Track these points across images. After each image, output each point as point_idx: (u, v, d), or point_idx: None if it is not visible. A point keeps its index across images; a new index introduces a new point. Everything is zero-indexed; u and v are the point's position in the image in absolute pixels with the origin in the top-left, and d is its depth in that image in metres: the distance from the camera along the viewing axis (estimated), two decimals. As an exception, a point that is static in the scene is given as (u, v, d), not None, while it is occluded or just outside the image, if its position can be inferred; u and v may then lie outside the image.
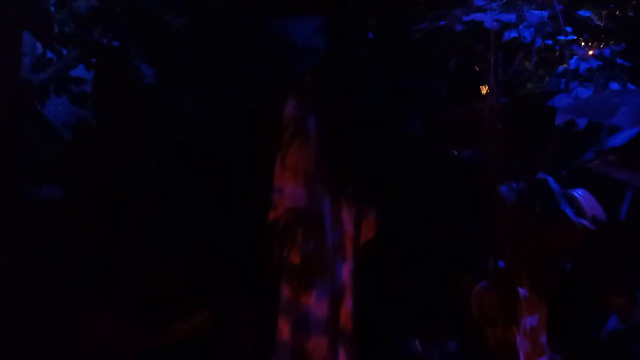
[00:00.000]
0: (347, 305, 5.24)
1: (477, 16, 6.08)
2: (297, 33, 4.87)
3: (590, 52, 6.17)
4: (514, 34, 6.15)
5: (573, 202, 5.53)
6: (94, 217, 5.15)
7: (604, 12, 6.20)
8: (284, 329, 5.15)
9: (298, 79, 5.12)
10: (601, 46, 6.18)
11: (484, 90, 5.71)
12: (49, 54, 5.23)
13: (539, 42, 6.17)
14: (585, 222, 5.47)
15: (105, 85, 5.07)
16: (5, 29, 4.66)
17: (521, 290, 5.37)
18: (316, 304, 5.15)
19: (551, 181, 5.52)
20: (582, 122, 5.89)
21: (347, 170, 5.27)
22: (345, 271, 5.27)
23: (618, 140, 5.70)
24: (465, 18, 6.08)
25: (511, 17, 6.21)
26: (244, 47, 4.85)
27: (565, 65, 6.08)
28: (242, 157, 5.26)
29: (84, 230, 5.16)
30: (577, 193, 5.58)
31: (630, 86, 6.12)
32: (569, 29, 6.09)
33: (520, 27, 6.18)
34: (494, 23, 6.03)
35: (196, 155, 5.22)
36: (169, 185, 5.24)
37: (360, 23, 5.10)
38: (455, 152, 5.33)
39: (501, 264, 5.42)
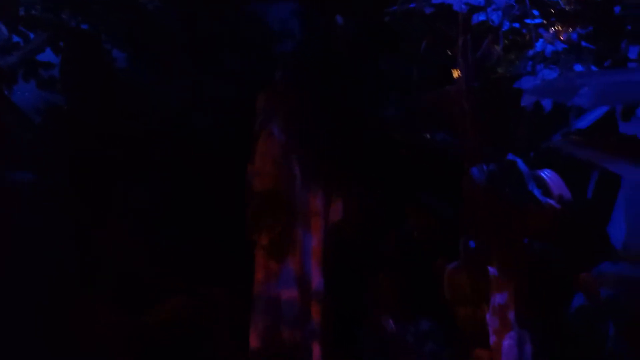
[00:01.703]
0: (317, 286, 5.34)
1: (446, -1, 6.15)
2: (273, 17, 4.90)
3: (557, 35, 6.27)
4: (482, 17, 6.22)
5: (540, 183, 5.67)
6: (69, 202, 5.13)
7: (570, -4, 6.30)
8: (258, 309, 5.23)
9: (273, 68, 5.16)
10: (568, 30, 6.29)
11: (455, 73, 5.77)
12: (15, 38, 5.15)
13: (506, 25, 6.25)
14: (552, 202, 5.62)
15: (74, 69, 5.02)
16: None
17: (491, 269, 5.50)
18: (285, 285, 5.24)
19: (520, 163, 5.65)
20: (547, 105, 6.02)
21: (318, 155, 5.34)
22: (314, 253, 5.36)
23: (584, 122, 5.86)
24: (434, 1, 6.13)
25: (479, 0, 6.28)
26: (220, 29, 4.86)
27: (532, 49, 6.17)
28: (219, 144, 5.30)
29: (60, 214, 5.14)
30: (545, 174, 5.72)
31: (593, 68, 6.24)
32: (535, 12, 6.18)
33: (488, 10, 6.25)
34: (463, 6, 6.10)
35: (172, 140, 5.24)
36: (145, 171, 5.25)
37: (334, 8, 5.12)
38: (428, 136, 5.40)
39: (472, 244, 5.55)
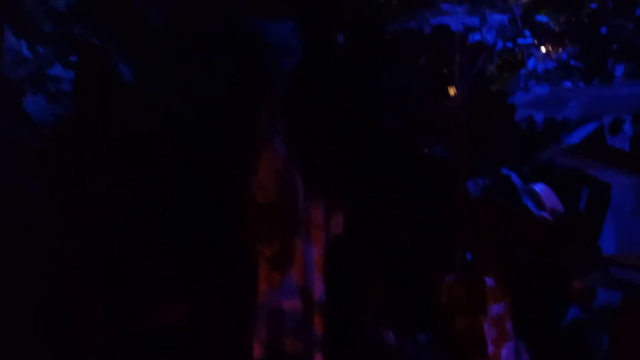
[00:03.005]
0: (318, 297, 5.43)
1: (444, 19, 6.36)
2: (273, 33, 5.05)
3: (547, 54, 6.50)
4: (477, 37, 6.44)
5: (534, 197, 5.84)
6: (75, 210, 5.21)
7: (560, 18, 6.54)
8: (261, 319, 5.31)
9: (273, 80, 5.30)
10: (557, 49, 6.52)
11: (451, 90, 5.96)
12: (25, 52, 5.26)
13: (500, 44, 6.47)
14: (546, 214, 5.79)
15: (85, 83, 5.13)
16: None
17: (487, 280, 5.64)
18: (287, 296, 5.33)
19: (514, 177, 5.82)
20: (540, 120, 6.24)
21: (319, 168, 5.47)
22: (315, 264, 5.46)
23: (574, 137, 6.08)
24: (432, 21, 6.35)
25: (475, 20, 6.50)
26: (221, 40, 5.00)
27: (524, 67, 6.39)
28: (219, 153, 5.39)
29: (64, 223, 5.21)
30: (538, 188, 5.89)
31: (581, 84, 6.50)
32: (527, 32, 6.41)
33: (483, 29, 6.48)
34: (459, 26, 6.32)
35: (174, 150, 5.33)
36: (148, 179, 5.33)
37: (334, 25, 5.29)
38: (425, 150, 5.55)
39: (469, 256, 5.69)
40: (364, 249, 5.52)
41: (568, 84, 6.49)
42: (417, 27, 6.28)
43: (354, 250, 5.52)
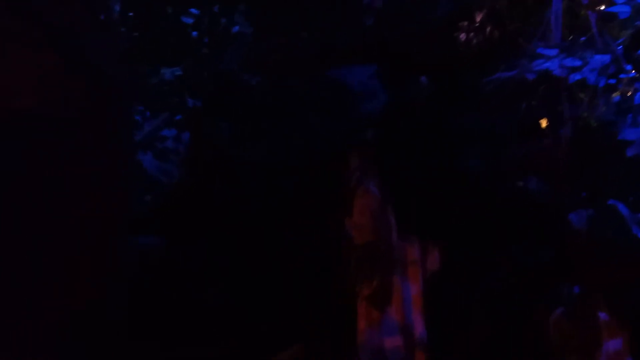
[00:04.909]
0: (419, 334, 5.44)
1: (544, 63, 6.43)
2: (353, 78, 5.39)
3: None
4: (578, 77, 6.43)
5: (644, 226, 5.59)
6: (189, 262, 5.64)
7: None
8: (364, 358, 5.38)
9: (360, 127, 5.60)
10: (663, 81, 6.35)
11: (543, 124, 5.97)
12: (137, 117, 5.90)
13: (602, 82, 6.41)
14: (658, 245, 5.50)
15: (194, 144, 5.68)
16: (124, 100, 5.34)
17: (601, 315, 5.39)
18: (388, 334, 5.38)
19: (621, 207, 5.62)
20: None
21: (411, 207, 5.61)
22: (414, 301, 5.50)
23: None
24: (536, 68, 6.43)
25: (576, 62, 6.52)
26: (308, 97, 5.39)
27: (629, 102, 6.27)
28: (317, 201, 5.69)
29: (178, 275, 5.65)
30: (647, 217, 5.64)
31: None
32: (628, 67, 6.32)
33: (584, 70, 6.46)
34: (561, 69, 6.36)
35: (274, 204, 5.69)
36: (254, 232, 5.70)
37: (414, 68, 5.55)
38: (521, 184, 5.55)
39: (576, 290, 5.49)
40: (460, 285, 5.50)
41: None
42: (519, 75, 6.39)
43: (452, 287, 5.52)
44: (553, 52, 6.44)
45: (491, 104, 6.07)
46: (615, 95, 6.37)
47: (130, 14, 5.59)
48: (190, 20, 5.72)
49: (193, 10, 5.75)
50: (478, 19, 6.50)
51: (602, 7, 6.47)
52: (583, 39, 6.45)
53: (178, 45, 5.49)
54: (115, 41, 5.46)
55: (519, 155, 5.81)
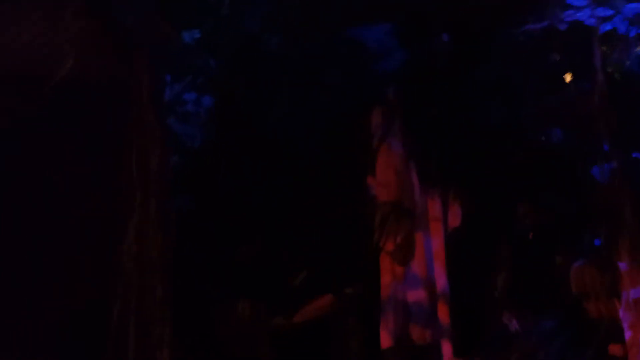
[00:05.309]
0: (442, 288, 5.59)
1: (573, 14, 6.36)
2: (370, 38, 5.46)
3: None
4: (608, 27, 6.35)
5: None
6: (219, 220, 5.88)
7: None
8: (387, 311, 5.59)
9: (379, 85, 5.69)
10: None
11: (568, 78, 5.94)
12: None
13: (633, 32, 6.31)
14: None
15: (219, 107, 5.87)
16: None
17: (621, 265, 5.45)
18: (411, 287, 5.56)
19: (644, 159, 5.62)
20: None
21: (433, 163, 5.71)
22: (436, 256, 5.65)
23: None
24: (567, 18, 6.36)
25: (607, 11, 6.42)
26: (327, 56, 5.49)
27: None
28: (338, 161, 5.83)
29: (210, 232, 5.89)
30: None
31: None
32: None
33: (616, 19, 6.37)
34: (592, 19, 6.29)
35: (298, 163, 5.86)
36: (281, 187, 5.89)
37: (433, 25, 5.58)
38: (543, 138, 5.58)
39: (597, 241, 5.56)
40: (483, 238, 5.62)
41: None
42: (550, 25, 6.33)
43: (472, 240, 5.64)
44: (583, 1, 6.37)
45: (517, 57, 6.06)
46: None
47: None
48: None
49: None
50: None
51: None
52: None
53: (198, 7, 5.60)
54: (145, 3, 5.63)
55: (543, 107, 5.82)
